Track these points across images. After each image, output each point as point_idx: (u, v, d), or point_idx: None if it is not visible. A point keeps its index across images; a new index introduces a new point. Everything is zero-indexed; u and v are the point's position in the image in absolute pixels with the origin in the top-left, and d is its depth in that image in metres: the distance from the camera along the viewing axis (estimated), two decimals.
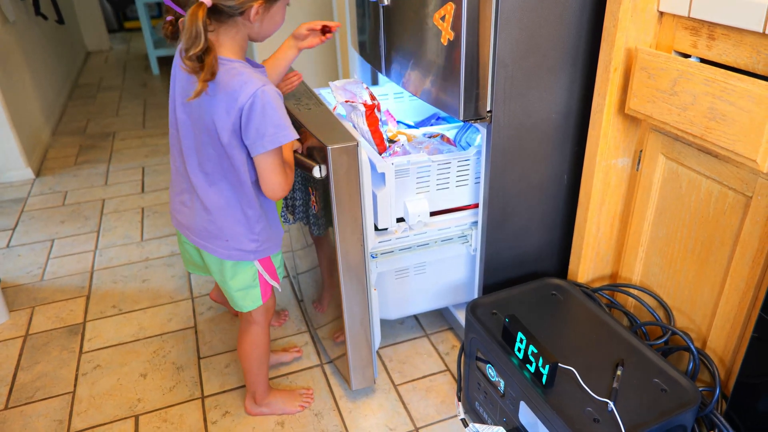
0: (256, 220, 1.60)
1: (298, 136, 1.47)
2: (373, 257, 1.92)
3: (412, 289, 2.11)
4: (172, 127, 1.55)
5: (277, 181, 1.46)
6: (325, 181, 1.65)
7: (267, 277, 1.71)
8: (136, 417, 2.02)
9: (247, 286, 1.70)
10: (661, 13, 1.49)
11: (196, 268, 1.86)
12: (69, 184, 3.82)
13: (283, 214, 2.01)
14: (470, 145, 2.06)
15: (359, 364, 1.94)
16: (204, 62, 1.33)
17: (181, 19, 1.42)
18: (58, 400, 2.10)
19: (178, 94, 1.50)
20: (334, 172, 1.60)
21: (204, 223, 1.58)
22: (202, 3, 1.31)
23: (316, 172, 1.63)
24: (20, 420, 2.02)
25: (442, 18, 1.63)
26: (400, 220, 1.94)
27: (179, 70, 1.48)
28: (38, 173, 3.99)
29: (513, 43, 1.59)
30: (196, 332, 2.42)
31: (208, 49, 1.33)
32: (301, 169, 1.70)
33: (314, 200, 1.85)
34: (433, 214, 1.96)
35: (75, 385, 2.16)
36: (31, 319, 2.54)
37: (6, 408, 2.07)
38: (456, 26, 1.58)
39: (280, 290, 1.77)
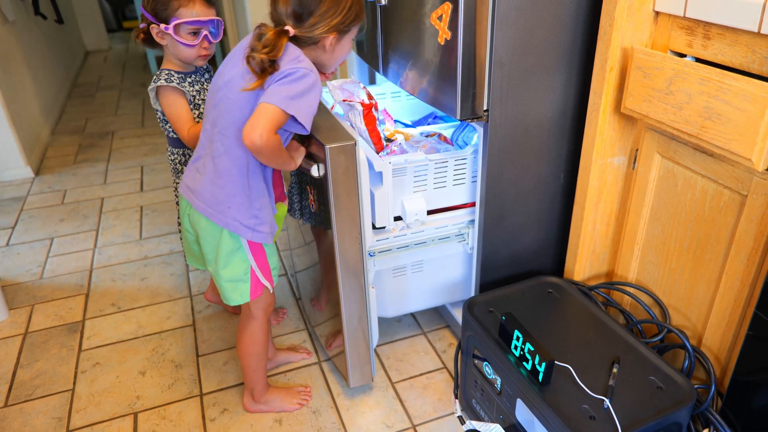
0: (257, 195, 1.61)
1: (308, 129, 1.51)
2: (371, 255, 1.92)
3: (409, 288, 2.11)
4: (211, 92, 1.63)
5: (262, 126, 1.42)
6: (323, 180, 1.65)
7: (259, 274, 1.71)
8: (135, 414, 2.01)
9: (237, 279, 1.70)
10: (657, 13, 1.49)
11: (194, 260, 1.86)
12: (68, 183, 3.81)
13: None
14: (467, 144, 2.06)
15: (357, 362, 1.94)
16: (266, 68, 1.46)
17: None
18: (58, 398, 2.09)
19: (231, 59, 1.59)
20: (332, 171, 1.59)
21: (212, 188, 1.59)
22: (287, 31, 1.50)
23: (314, 171, 1.63)
24: (20, 417, 2.02)
25: (439, 18, 1.63)
26: (397, 218, 1.94)
27: (242, 48, 1.56)
28: (37, 172, 3.98)
29: (510, 43, 1.58)
30: (194, 330, 2.41)
31: (275, 62, 1.48)
32: (300, 168, 1.69)
33: (312, 199, 1.85)
34: (430, 212, 1.97)
35: (74, 383, 2.16)
36: (30, 317, 2.53)
37: (6, 405, 2.07)
38: (453, 26, 1.58)
39: (271, 291, 1.77)
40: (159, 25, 1.83)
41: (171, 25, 1.82)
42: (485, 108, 1.68)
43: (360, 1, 1.60)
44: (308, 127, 1.51)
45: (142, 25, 1.87)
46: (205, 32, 1.87)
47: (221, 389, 2.10)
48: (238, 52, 1.57)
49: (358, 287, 1.80)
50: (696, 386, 1.45)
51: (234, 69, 1.55)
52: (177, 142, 2.01)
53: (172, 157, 2.06)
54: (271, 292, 1.78)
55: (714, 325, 1.51)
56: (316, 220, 1.88)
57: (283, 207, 1.77)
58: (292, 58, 1.50)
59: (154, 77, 1.90)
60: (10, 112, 3.74)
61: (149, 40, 1.90)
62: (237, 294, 1.72)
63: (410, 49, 1.87)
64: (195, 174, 1.64)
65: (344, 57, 1.68)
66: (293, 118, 1.48)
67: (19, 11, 4.48)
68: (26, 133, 4.01)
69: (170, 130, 1.99)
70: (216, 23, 1.91)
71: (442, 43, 1.65)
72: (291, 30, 1.51)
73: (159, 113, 1.96)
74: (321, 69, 1.65)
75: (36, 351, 2.32)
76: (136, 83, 5.92)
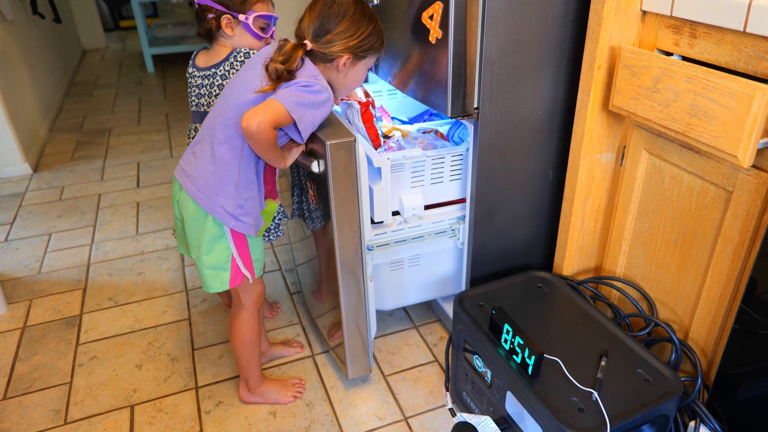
0: (245, 186, 1.62)
1: (303, 139, 1.57)
2: (370, 249, 1.92)
3: (406, 281, 2.11)
4: (227, 85, 1.68)
5: (263, 116, 1.46)
6: (323, 176, 1.65)
7: (240, 264, 1.71)
8: (132, 407, 2.00)
9: (218, 267, 1.70)
10: (644, 12, 1.48)
11: (183, 247, 1.86)
12: (66, 180, 3.79)
13: (276, 226, 2.02)
14: (463, 141, 2.06)
15: (356, 354, 1.93)
16: (281, 77, 1.52)
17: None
18: (55, 391, 2.08)
19: (252, 63, 1.64)
20: (332, 166, 1.59)
21: (205, 173, 1.61)
22: (304, 44, 1.56)
23: (315, 167, 1.63)
24: (18, 410, 2.00)
25: (431, 17, 1.62)
26: (395, 213, 1.94)
27: (263, 54, 1.62)
28: (35, 169, 3.96)
29: (500, 42, 1.58)
30: (190, 324, 2.40)
31: (292, 72, 1.53)
32: (301, 165, 1.69)
33: (312, 194, 1.84)
34: (428, 207, 1.97)
35: (72, 376, 2.15)
36: (28, 311, 2.52)
37: (4, 398, 2.05)
38: (444, 25, 1.57)
39: (251, 281, 1.77)
40: (236, 16, 1.84)
41: (251, 17, 1.85)
42: (475, 106, 1.67)
43: (380, 34, 1.64)
44: (304, 137, 1.55)
45: (210, 16, 1.87)
46: (273, 27, 1.94)
47: (216, 382, 2.09)
48: (260, 57, 1.62)
49: (356, 281, 1.79)
50: (683, 379, 1.45)
51: (253, 72, 1.59)
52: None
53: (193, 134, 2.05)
54: (251, 282, 1.78)
55: (700, 318, 1.51)
56: (316, 215, 1.88)
57: (273, 204, 1.78)
58: (311, 74, 1.55)
59: (230, 57, 1.89)
60: (9, 109, 3.71)
61: (209, 32, 1.92)
62: (217, 281, 1.72)
63: (402, 47, 1.86)
64: (191, 158, 1.66)
65: (356, 84, 1.71)
66: (294, 124, 1.52)
67: (18, 11, 4.45)
68: (24, 130, 3.98)
69: (205, 104, 1.98)
70: (275, 20, 1.95)
71: (433, 42, 1.64)
72: (308, 44, 1.56)
73: (206, 85, 1.95)
74: (333, 93, 1.68)
75: (34, 345, 2.31)
76: (133, 81, 5.88)
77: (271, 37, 1.95)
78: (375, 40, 1.62)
